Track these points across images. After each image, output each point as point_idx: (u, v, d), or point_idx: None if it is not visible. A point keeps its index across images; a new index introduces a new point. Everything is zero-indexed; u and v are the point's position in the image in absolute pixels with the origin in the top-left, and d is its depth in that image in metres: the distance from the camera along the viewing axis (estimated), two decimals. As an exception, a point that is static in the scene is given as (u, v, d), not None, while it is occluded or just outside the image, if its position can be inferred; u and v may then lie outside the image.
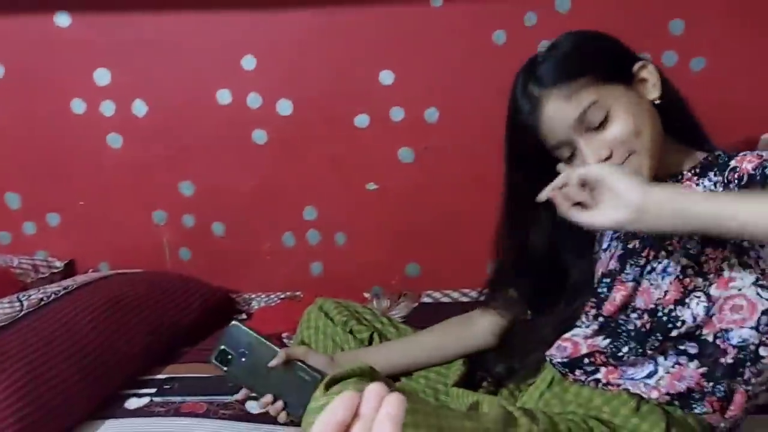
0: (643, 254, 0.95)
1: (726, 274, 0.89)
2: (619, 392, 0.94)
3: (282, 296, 1.72)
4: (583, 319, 1.01)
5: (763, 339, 0.89)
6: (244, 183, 1.71)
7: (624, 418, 0.92)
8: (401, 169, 1.69)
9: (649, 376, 0.92)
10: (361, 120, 1.66)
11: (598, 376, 0.96)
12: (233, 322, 1.06)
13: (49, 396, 1.13)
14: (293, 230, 1.75)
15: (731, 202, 0.77)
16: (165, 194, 1.74)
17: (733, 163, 0.90)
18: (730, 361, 0.90)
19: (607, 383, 0.95)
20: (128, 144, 1.69)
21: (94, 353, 1.25)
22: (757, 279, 0.87)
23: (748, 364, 0.90)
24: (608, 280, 0.99)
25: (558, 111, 0.92)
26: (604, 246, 1.04)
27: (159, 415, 1.23)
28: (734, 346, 0.90)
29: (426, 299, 1.69)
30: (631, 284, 0.95)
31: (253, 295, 1.74)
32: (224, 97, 1.66)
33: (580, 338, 0.99)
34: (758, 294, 0.87)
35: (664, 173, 0.96)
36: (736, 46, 1.57)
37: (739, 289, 0.88)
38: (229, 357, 1.05)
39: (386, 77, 1.64)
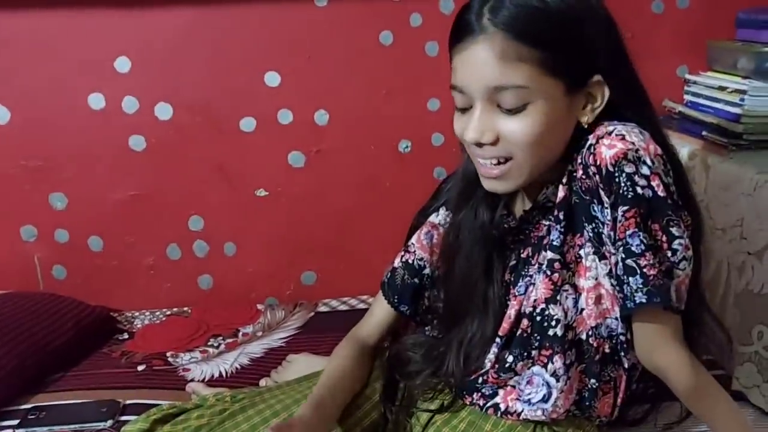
0: (533, 261, 0.93)
1: (584, 262, 0.88)
2: (513, 422, 0.92)
3: (168, 313, 1.62)
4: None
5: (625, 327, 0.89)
6: (121, 193, 1.60)
7: None
8: (292, 174, 1.64)
9: (545, 399, 0.90)
10: (247, 123, 1.60)
11: (497, 400, 0.94)
12: None
13: None
14: (178, 242, 1.65)
15: None
16: (33, 208, 1.60)
17: (591, 139, 0.84)
18: (607, 351, 0.90)
19: (506, 410, 0.93)
20: (-12, 154, 1.55)
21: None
22: (610, 271, 0.86)
23: (623, 353, 0.91)
24: (502, 291, 0.95)
25: (484, 61, 0.81)
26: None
27: (21, 448, 1.11)
28: (604, 339, 0.90)
29: (322, 308, 1.64)
30: (522, 296, 0.92)
31: (137, 313, 1.62)
32: (97, 101, 1.55)
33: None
34: (612, 285, 0.87)
35: (539, 182, 0.90)
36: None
37: (596, 279, 0.88)
38: None
39: (272, 79, 1.58)
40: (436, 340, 1.04)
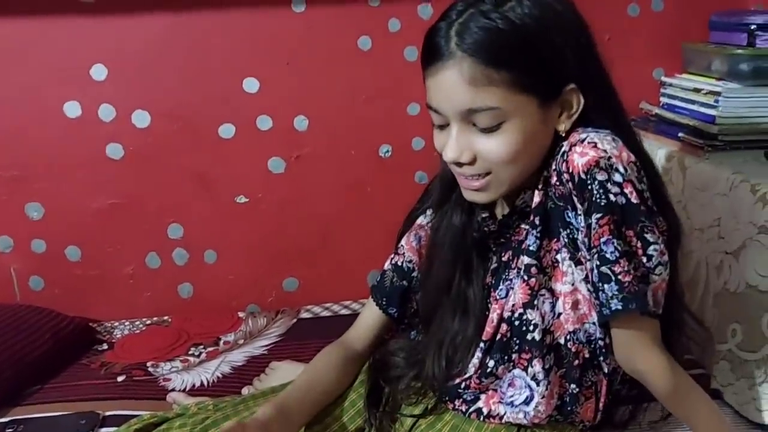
0: (513, 265, 0.93)
1: (561, 266, 0.88)
2: (496, 426, 0.92)
3: (148, 322, 1.60)
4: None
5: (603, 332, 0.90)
6: (99, 202, 1.58)
7: None
8: (272, 180, 1.63)
9: (527, 402, 0.90)
10: (226, 130, 1.59)
11: (480, 405, 0.93)
12: None
13: None
14: (157, 250, 1.63)
15: None
16: (9, 218, 1.57)
17: (565, 146, 0.85)
18: (586, 356, 0.90)
19: (489, 414, 0.93)
20: (-38, 165, 1.52)
21: None
22: (586, 276, 0.86)
23: (602, 358, 0.91)
24: (483, 294, 0.95)
25: (455, 86, 0.81)
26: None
27: (-3, 464, 1.09)
28: (583, 344, 0.90)
29: (305, 314, 1.63)
30: (503, 300, 0.92)
31: (116, 323, 1.60)
32: (73, 109, 1.53)
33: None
34: (589, 290, 0.87)
35: (518, 189, 0.91)
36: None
37: (572, 284, 0.88)
38: None
39: (251, 85, 1.57)
40: (419, 343, 1.03)
